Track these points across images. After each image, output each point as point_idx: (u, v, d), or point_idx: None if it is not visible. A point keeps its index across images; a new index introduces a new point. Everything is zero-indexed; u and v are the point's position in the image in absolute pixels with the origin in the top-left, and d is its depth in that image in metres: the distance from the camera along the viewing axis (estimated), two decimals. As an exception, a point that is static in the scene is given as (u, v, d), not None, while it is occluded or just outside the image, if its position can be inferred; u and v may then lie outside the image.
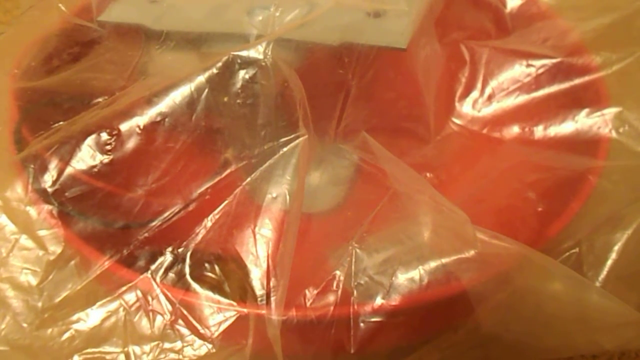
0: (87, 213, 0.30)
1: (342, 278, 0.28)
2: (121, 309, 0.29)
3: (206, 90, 0.31)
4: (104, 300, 0.29)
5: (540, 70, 0.38)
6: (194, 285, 0.29)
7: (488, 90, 0.39)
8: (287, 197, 0.30)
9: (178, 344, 0.28)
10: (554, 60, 0.37)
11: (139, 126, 0.31)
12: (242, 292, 0.29)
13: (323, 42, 0.32)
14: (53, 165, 0.31)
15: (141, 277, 0.29)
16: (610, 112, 0.34)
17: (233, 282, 0.29)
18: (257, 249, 0.30)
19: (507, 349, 0.29)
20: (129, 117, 0.31)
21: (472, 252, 0.28)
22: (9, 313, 0.29)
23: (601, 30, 0.36)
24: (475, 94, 0.39)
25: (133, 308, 0.29)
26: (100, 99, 0.33)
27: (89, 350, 0.29)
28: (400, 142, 0.36)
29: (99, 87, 0.33)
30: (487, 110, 0.38)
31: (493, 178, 0.33)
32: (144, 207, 0.31)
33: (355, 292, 0.28)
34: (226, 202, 0.31)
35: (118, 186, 0.31)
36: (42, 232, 0.30)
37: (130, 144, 0.31)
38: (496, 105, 0.38)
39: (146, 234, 0.30)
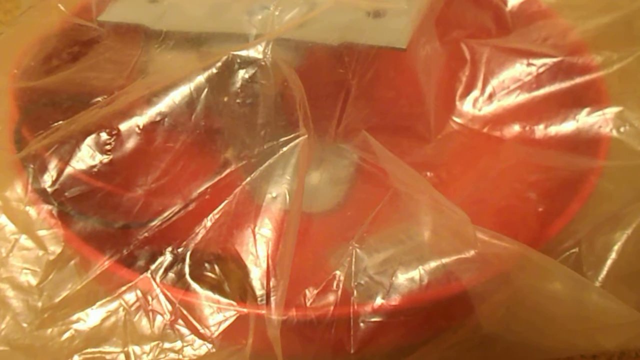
0: (87, 213, 0.30)
1: (342, 278, 0.28)
2: (121, 309, 0.29)
3: (206, 89, 0.31)
4: (103, 300, 0.29)
5: (541, 69, 0.37)
6: (194, 285, 0.29)
7: (489, 89, 0.39)
8: (287, 196, 0.30)
9: (178, 344, 0.28)
10: (554, 59, 0.37)
11: (138, 126, 0.31)
12: (242, 292, 0.29)
13: (323, 41, 0.32)
14: (53, 165, 0.31)
15: (141, 277, 0.29)
16: (611, 111, 0.34)
17: (233, 282, 0.29)
18: (257, 249, 0.30)
19: (507, 349, 0.29)
20: (128, 117, 0.31)
21: (472, 252, 0.28)
22: (9, 313, 0.29)
23: (602, 29, 0.36)
24: (475, 92, 0.39)
25: (133, 308, 0.29)
26: (99, 98, 0.33)
27: (89, 350, 0.29)
28: (401, 141, 0.36)
29: (99, 86, 0.33)
30: (488, 109, 0.38)
31: (493, 178, 0.33)
32: (143, 207, 0.31)
33: (355, 292, 0.28)
34: (226, 201, 0.30)
35: (118, 186, 0.31)
36: (41, 232, 0.30)
37: (130, 143, 0.31)
38: (497, 104, 0.38)
39: (146, 234, 0.30)
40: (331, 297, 0.28)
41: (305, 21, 0.33)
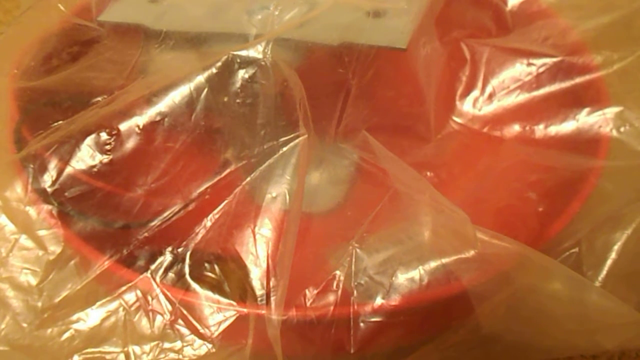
0: (87, 213, 0.30)
1: (342, 278, 0.28)
2: (121, 308, 0.29)
3: (205, 89, 0.31)
4: (103, 300, 0.29)
5: (541, 69, 0.37)
6: (194, 285, 0.29)
7: (489, 89, 0.39)
8: (287, 196, 0.30)
9: (178, 344, 0.28)
10: (554, 59, 0.37)
11: (138, 126, 0.31)
12: (242, 292, 0.29)
13: (323, 41, 0.32)
14: (52, 165, 0.31)
15: (141, 277, 0.29)
16: (611, 111, 0.34)
17: (233, 282, 0.29)
18: (257, 249, 0.30)
19: (507, 349, 0.29)
20: (128, 117, 0.31)
21: (472, 252, 0.28)
22: (9, 313, 0.29)
23: (602, 29, 0.36)
24: (475, 92, 0.39)
25: (133, 308, 0.29)
26: (99, 98, 0.33)
27: (89, 350, 0.29)
28: (401, 141, 0.36)
29: (99, 86, 0.33)
30: (488, 109, 0.38)
31: (493, 177, 0.33)
32: (143, 207, 0.31)
33: (355, 292, 0.28)
34: (226, 201, 0.31)
35: (118, 186, 0.31)
36: (41, 232, 0.30)
37: (130, 143, 0.31)
38: (497, 104, 0.38)
39: (146, 234, 0.30)
40: (331, 297, 0.28)
41: (305, 21, 0.33)
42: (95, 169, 0.31)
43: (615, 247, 0.30)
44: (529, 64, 0.38)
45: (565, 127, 0.36)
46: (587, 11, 0.37)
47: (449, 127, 0.38)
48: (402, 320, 0.28)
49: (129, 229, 0.30)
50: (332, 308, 0.28)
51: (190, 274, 0.29)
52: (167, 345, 0.28)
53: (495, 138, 0.37)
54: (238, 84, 0.32)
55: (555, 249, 0.30)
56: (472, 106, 0.39)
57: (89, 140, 0.31)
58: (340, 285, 0.28)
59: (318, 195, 0.35)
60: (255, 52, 0.31)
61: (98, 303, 0.29)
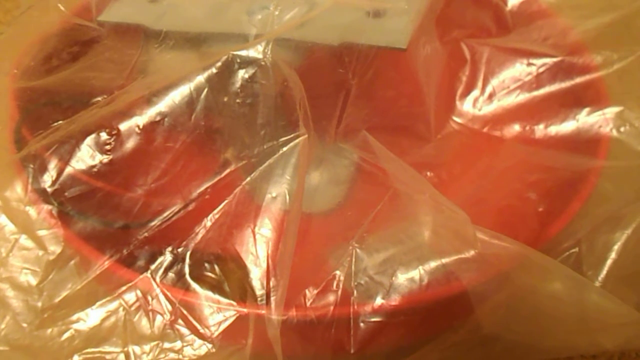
0: (87, 213, 0.30)
1: (342, 278, 0.28)
2: (121, 308, 0.29)
3: (205, 89, 0.31)
4: (103, 300, 0.29)
5: (541, 69, 0.37)
6: (194, 285, 0.29)
7: (489, 89, 0.39)
8: (287, 196, 0.30)
9: (178, 344, 0.28)
10: (554, 59, 0.37)
11: (138, 126, 0.31)
12: (242, 292, 0.29)
13: (323, 41, 0.32)
14: (52, 165, 0.31)
15: (141, 277, 0.29)
16: (611, 111, 0.34)
17: (233, 282, 0.29)
18: (257, 249, 0.30)
19: (507, 349, 0.29)
20: (128, 117, 0.31)
21: (472, 252, 0.28)
22: (9, 313, 0.29)
23: (602, 29, 0.36)
24: (475, 92, 0.39)
25: (133, 308, 0.29)
26: (99, 98, 0.33)
27: (89, 350, 0.29)
28: (401, 141, 0.36)
29: (98, 86, 0.33)
30: (488, 109, 0.38)
31: (494, 177, 0.33)
32: (143, 207, 0.31)
33: (355, 292, 0.28)
34: (226, 201, 0.31)
35: (118, 186, 0.31)
36: (41, 232, 0.30)
37: (130, 143, 0.31)
38: (497, 104, 0.38)
39: (146, 234, 0.30)
40: (331, 297, 0.28)
41: (305, 21, 0.33)
42: (95, 169, 0.31)
43: (615, 247, 0.30)
44: (529, 64, 0.38)
45: (565, 127, 0.36)
46: (587, 11, 0.37)
47: (449, 127, 0.38)
48: (402, 320, 0.28)
49: (129, 229, 0.30)
50: (332, 308, 0.28)
51: (190, 274, 0.29)
52: (167, 345, 0.28)
53: (495, 138, 0.37)
54: (238, 84, 0.32)
55: (555, 249, 0.30)
56: (472, 106, 0.39)
57: (89, 140, 0.31)
58: (340, 285, 0.28)
59: (318, 195, 0.35)
60: (255, 52, 0.31)
61: (98, 303, 0.29)
